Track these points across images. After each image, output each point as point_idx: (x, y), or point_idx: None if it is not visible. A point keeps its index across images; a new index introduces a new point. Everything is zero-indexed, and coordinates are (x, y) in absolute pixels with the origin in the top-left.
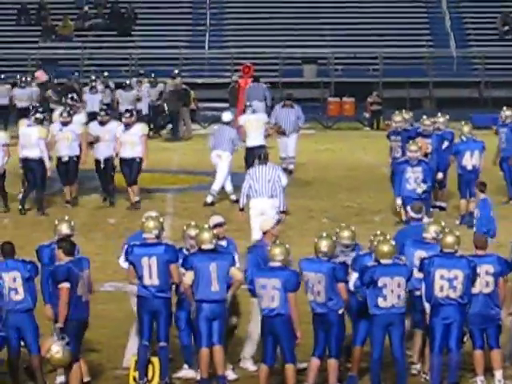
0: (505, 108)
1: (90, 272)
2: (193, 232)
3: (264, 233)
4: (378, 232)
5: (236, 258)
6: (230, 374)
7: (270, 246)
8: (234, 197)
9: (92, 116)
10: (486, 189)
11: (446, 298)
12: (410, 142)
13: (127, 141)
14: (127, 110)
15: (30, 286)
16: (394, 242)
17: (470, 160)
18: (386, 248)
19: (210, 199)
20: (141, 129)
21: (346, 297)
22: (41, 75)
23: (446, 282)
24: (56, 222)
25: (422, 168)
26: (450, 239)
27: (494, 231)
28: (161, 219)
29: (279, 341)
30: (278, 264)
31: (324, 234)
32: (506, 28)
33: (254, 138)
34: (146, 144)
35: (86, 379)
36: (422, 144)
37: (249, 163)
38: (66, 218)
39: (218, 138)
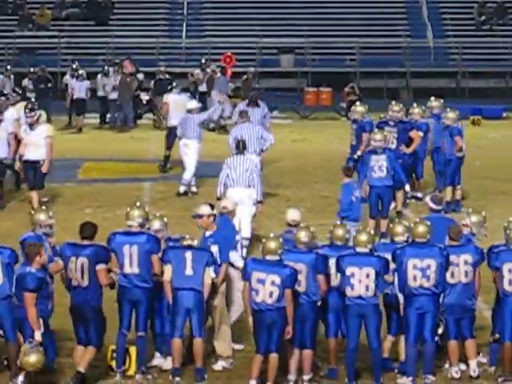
0: (432, 98)
1: None
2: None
3: None
4: (338, 222)
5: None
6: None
7: (267, 238)
8: (194, 188)
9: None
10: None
11: (419, 288)
12: (375, 130)
13: (31, 142)
14: (31, 109)
15: (9, 272)
16: (372, 232)
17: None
18: (362, 237)
19: (182, 189)
20: (46, 130)
21: (325, 288)
22: (128, 65)
23: (419, 272)
24: (32, 212)
25: (385, 156)
26: (421, 228)
27: (355, 216)
28: (146, 209)
29: (271, 331)
30: (275, 258)
31: (302, 225)
32: (483, 18)
33: (176, 118)
34: (51, 146)
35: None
36: (416, 135)
37: (169, 141)
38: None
39: (183, 126)
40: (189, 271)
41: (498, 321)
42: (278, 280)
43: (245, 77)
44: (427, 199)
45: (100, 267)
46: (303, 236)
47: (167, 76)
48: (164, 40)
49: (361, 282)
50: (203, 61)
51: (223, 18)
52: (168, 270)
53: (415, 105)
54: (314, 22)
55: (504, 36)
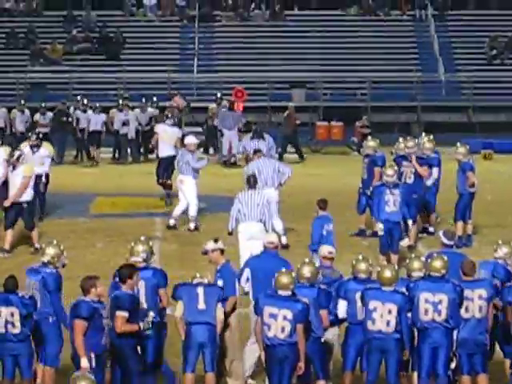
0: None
1: None
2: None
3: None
4: (360, 257)
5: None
6: None
7: (279, 273)
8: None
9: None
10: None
11: (431, 322)
12: (387, 165)
13: (12, 182)
14: (13, 149)
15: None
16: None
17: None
18: (386, 274)
19: (192, 226)
20: (23, 170)
21: (327, 324)
22: (178, 100)
23: (431, 306)
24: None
25: (399, 191)
26: (437, 263)
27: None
28: (150, 243)
29: (283, 366)
30: (288, 293)
31: (306, 260)
32: (494, 52)
33: (167, 149)
34: (23, 187)
35: None
36: (422, 171)
37: (159, 172)
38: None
39: (179, 163)
40: (201, 305)
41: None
42: (289, 315)
43: (286, 112)
44: (440, 234)
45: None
46: (306, 271)
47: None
48: (175, 75)
49: (382, 316)
50: (218, 95)
51: (234, 52)
52: (180, 307)
53: (426, 139)
54: (325, 57)
55: None
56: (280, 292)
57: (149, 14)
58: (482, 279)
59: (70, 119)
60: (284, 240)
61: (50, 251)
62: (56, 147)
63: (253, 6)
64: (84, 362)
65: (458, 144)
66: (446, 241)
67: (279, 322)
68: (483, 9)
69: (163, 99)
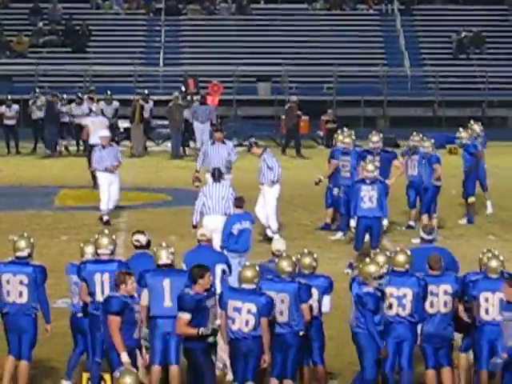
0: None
1: None
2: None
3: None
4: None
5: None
6: None
7: (244, 266)
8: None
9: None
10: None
11: (395, 317)
12: (367, 161)
13: None
14: None
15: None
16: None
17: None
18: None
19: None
20: None
21: (309, 317)
22: (191, 83)
23: (395, 300)
24: (15, 239)
25: (377, 187)
26: (400, 258)
27: (235, 248)
28: (113, 236)
29: (247, 360)
30: (252, 287)
31: (284, 254)
32: (460, 47)
33: (97, 137)
34: None
35: None
36: (399, 164)
37: (90, 159)
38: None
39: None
40: (167, 303)
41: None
42: (254, 308)
43: (287, 105)
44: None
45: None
46: (286, 265)
47: (142, 103)
48: (141, 68)
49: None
50: (183, 89)
51: (200, 45)
52: (144, 296)
53: (425, 138)
54: (291, 50)
55: (481, 65)
56: (244, 286)
57: (115, 7)
58: (448, 274)
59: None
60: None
61: (26, 244)
62: (48, 138)
63: None
64: (124, 357)
65: (424, 138)
66: (425, 236)
67: (243, 316)
68: (449, 3)
69: (128, 92)
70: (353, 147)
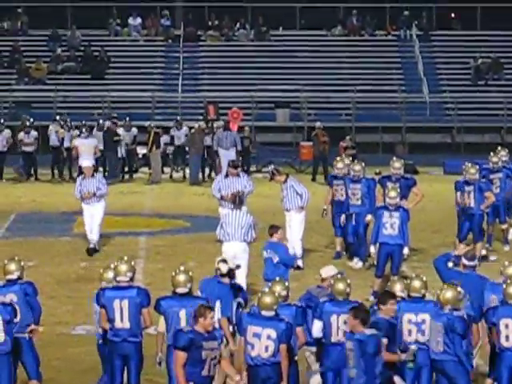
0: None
1: None
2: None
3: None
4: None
5: None
6: None
7: (262, 293)
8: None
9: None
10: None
11: (415, 343)
12: (390, 187)
13: None
14: None
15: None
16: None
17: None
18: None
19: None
20: None
21: (304, 341)
22: (212, 110)
23: (414, 327)
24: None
25: (399, 214)
26: (416, 283)
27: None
28: (132, 262)
29: None
30: (271, 313)
31: (277, 279)
32: (478, 73)
33: (86, 159)
34: None
35: None
36: (418, 192)
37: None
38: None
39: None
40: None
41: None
42: (273, 334)
43: (314, 133)
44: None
45: None
46: (281, 290)
47: (157, 130)
48: (160, 94)
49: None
50: (178, 118)
51: (219, 72)
52: (162, 323)
53: (468, 165)
54: (309, 77)
55: (499, 91)
56: (263, 312)
57: (133, 34)
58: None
59: (116, 138)
60: (300, 263)
61: (16, 267)
62: (108, 166)
63: (238, 25)
64: None
65: (468, 165)
66: (466, 262)
67: (263, 341)
68: (468, 29)
69: (147, 118)
70: (363, 175)
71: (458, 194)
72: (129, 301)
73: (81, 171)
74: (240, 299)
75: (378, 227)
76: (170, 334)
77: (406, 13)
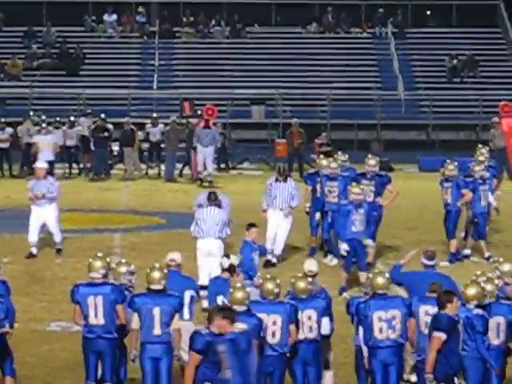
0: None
1: None
2: (123, 269)
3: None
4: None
5: None
6: None
7: (234, 288)
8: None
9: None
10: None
11: (385, 340)
12: (353, 184)
13: None
14: None
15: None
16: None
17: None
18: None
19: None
20: None
21: (296, 338)
22: (187, 107)
23: (385, 324)
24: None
25: (363, 210)
26: (380, 280)
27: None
28: (107, 259)
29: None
30: (243, 308)
31: (268, 276)
32: (454, 71)
33: (45, 155)
34: None
35: None
36: (394, 189)
37: None
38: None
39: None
40: (157, 331)
41: None
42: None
43: (290, 130)
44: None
45: None
46: (273, 287)
47: (132, 127)
48: (135, 91)
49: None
50: (154, 115)
51: (195, 69)
52: (136, 320)
53: (448, 161)
54: (285, 74)
55: (474, 89)
56: (235, 307)
57: (109, 30)
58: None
59: (106, 134)
60: (274, 259)
61: None
62: (96, 163)
63: (213, 22)
64: None
65: (448, 161)
66: (426, 261)
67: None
68: (443, 26)
69: (123, 115)
70: (340, 172)
71: (442, 191)
72: (103, 297)
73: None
74: (193, 292)
75: (346, 224)
76: (142, 331)
77: (381, 10)
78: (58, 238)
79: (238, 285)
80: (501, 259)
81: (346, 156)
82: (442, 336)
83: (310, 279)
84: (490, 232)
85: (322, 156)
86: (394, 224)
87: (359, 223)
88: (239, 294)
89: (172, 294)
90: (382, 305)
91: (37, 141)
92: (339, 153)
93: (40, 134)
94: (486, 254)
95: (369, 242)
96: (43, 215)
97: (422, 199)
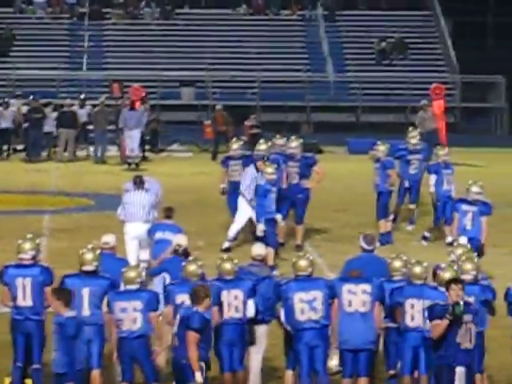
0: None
1: None
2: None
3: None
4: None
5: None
6: None
7: (127, 268)
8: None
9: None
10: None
11: (307, 321)
12: (266, 163)
13: None
14: None
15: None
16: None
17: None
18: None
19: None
20: None
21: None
22: (116, 88)
23: (306, 305)
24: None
25: (275, 189)
26: (303, 263)
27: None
28: (37, 241)
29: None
30: (136, 287)
31: (225, 257)
32: (383, 53)
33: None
34: None
35: None
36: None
37: None
38: None
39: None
40: (85, 312)
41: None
42: (139, 305)
43: (212, 115)
44: (360, 238)
45: None
46: (196, 269)
47: (70, 109)
48: (65, 72)
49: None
50: (82, 96)
51: (124, 50)
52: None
53: (379, 142)
54: (215, 55)
55: (404, 71)
56: (128, 287)
57: (38, 11)
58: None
59: (41, 115)
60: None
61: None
62: (30, 145)
63: (143, 4)
64: (198, 377)
65: (379, 143)
66: (365, 245)
67: (130, 314)
68: (373, 9)
69: (52, 96)
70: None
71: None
72: (32, 279)
73: None
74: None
75: (262, 205)
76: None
77: None
78: None
79: (131, 265)
80: (455, 243)
81: (284, 139)
82: (196, 335)
83: (257, 263)
84: (420, 215)
85: (233, 140)
86: (323, 206)
87: (269, 202)
88: (132, 274)
89: (102, 276)
90: (303, 286)
91: None
92: (277, 136)
93: None
94: (448, 239)
95: (277, 216)
96: None
97: (351, 181)
